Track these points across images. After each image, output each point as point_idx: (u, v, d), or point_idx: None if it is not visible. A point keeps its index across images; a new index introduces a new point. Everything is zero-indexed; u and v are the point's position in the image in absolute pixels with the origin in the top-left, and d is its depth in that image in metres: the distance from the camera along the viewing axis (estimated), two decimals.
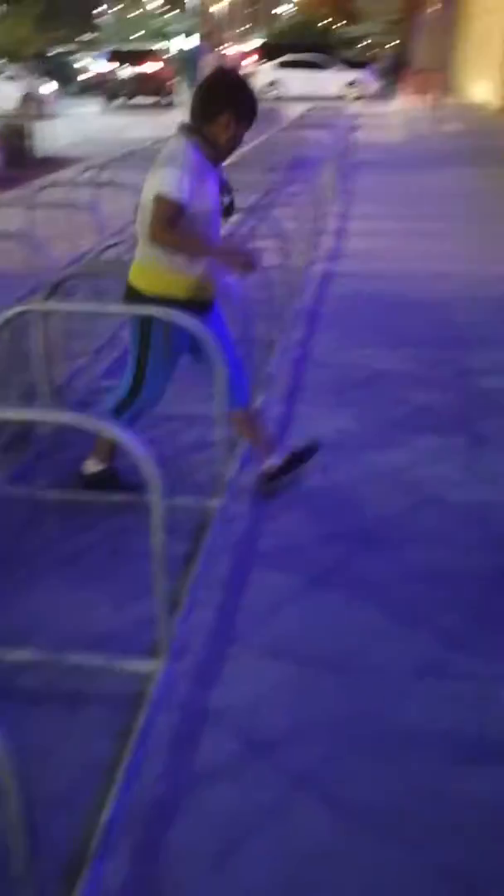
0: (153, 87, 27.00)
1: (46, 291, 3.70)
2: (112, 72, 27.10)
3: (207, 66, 16.89)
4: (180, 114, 18.23)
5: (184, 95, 17.17)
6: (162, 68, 27.11)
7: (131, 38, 44.06)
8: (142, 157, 8.15)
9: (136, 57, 27.34)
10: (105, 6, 46.51)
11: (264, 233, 5.87)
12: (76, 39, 34.04)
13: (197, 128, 3.14)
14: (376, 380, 4.92)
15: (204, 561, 3.10)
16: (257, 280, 4.28)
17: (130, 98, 27.30)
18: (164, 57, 28.49)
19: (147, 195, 3.11)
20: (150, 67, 26.92)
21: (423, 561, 3.21)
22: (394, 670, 2.65)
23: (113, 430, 2.33)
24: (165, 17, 53.07)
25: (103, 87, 26.96)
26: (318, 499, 3.64)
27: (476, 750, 2.36)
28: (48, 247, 5.50)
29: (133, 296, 3.30)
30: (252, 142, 11.48)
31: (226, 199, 3.27)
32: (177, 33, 44.45)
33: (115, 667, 2.59)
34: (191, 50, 16.86)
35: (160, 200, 3.02)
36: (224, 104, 3.09)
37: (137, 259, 3.29)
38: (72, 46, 32.12)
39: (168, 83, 26.86)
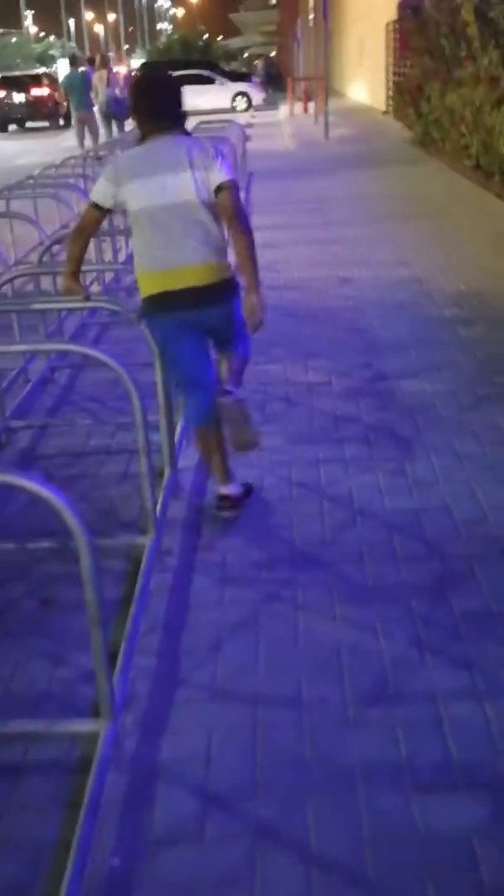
0: (45, 112, 27.51)
1: None
2: (3, 98, 27.49)
3: (99, 86, 16.89)
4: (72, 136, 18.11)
5: (74, 118, 17.16)
6: (51, 92, 27.30)
7: (11, 65, 43.47)
8: (39, 184, 7.97)
9: (27, 82, 27.76)
10: None
11: None
12: None
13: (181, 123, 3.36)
14: (295, 393, 4.86)
15: (140, 604, 2.96)
16: None
17: (23, 123, 27.60)
18: (51, 82, 28.53)
19: (188, 193, 3.16)
20: (40, 92, 27.43)
21: (363, 578, 3.13)
22: (344, 700, 2.56)
23: (22, 481, 2.18)
24: (44, 42, 52.56)
25: None
26: (250, 522, 3.53)
27: (439, 776, 2.28)
28: None
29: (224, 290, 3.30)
30: None
31: None
32: (57, 58, 44.05)
33: (55, 731, 2.43)
34: (78, 73, 16.89)
35: (235, 186, 3.20)
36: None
37: (202, 259, 3.22)
38: None
39: (59, 106, 26.92)
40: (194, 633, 2.89)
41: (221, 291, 3.29)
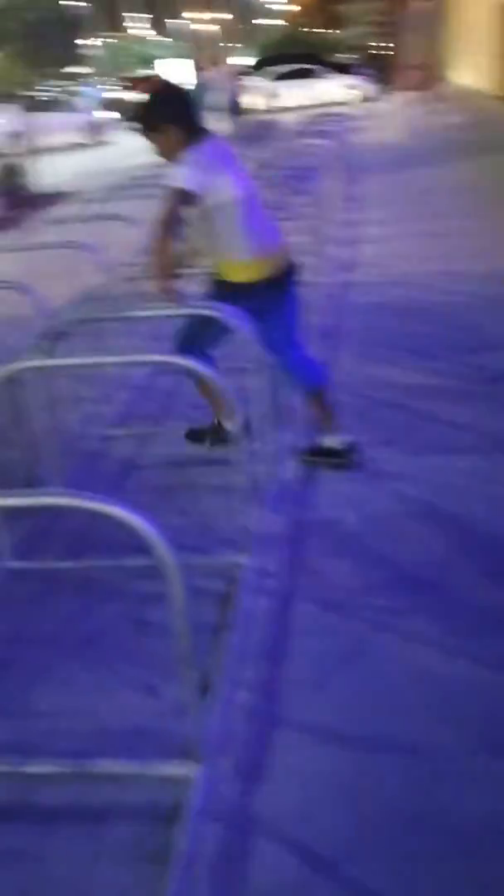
0: None
1: (47, 341, 3.40)
2: (121, 97, 28.65)
3: (217, 88, 17.66)
4: None
5: None
6: None
7: (123, 66, 44.27)
8: (142, 185, 7.91)
9: (139, 83, 28.32)
10: (90, 40, 46.79)
11: None
12: (66, 71, 34.63)
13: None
14: (404, 397, 4.58)
15: (236, 631, 2.77)
16: None
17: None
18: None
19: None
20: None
21: (486, 607, 2.85)
22: (465, 748, 2.30)
23: (111, 509, 2.01)
24: (152, 42, 53.32)
25: (115, 112, 27.77)
26: (353, 540, 3.30)
27: None
28: (44, 289, 5.24)
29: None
30: (251, 158, 11.21)
31: None
32: (164, 58, 44.59)
33: (145, 773, 2.26)
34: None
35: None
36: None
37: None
38: (60, 81, 33.05)
39: None
40: (295, 664, 2.68)
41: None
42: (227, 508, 3.57)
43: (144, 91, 3.61)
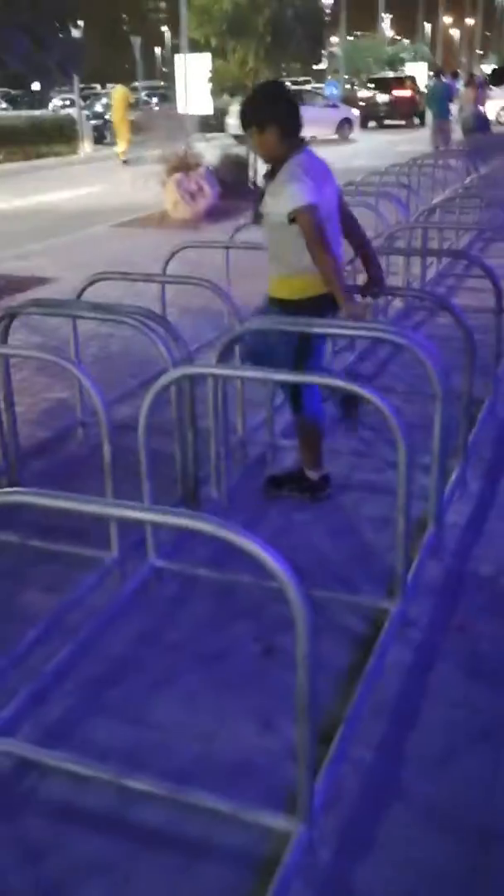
0: (404, 112, 30.20)
1: (222, 346, 3.35)
2: (370, 98, 30.66)
3: (465, 103, 17.56)
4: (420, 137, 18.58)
5: (433, 125, 18.23)
6: (412, 95, 29.83)
7: (361, 67, 44.23)
8: (364, 192, 7.78)
9: (391, 84, 30.68)
10: (336, 37, 47.04)
11: (476, 273, 5.25)
12: (309, 68, 35.32)
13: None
14: None
15: (369, 682, 2.59)
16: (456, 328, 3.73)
17: (383, 121, 30.25)
18: (413, 84, 30.93)
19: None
20: (403, 93, 30.18)
21: None
22: None
23: (245, 543, 1.89)
24: (397, 45, 52.88)
25: (362, 111, 29.75)
26: None
27: None
28: (245, 287, 5.22)
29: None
30: (470, 175, 10.84)
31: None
32: (406, 61, 44.11)
33: (244, 817, 2.14)
34: (441, 85, 17.83)
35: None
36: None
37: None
38: (301, 77, 33.85)
39: (417, 107, 29.25)
40: (427, 731, 2.47)
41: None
42: (385, 544, 3.39)
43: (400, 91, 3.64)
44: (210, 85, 14.20)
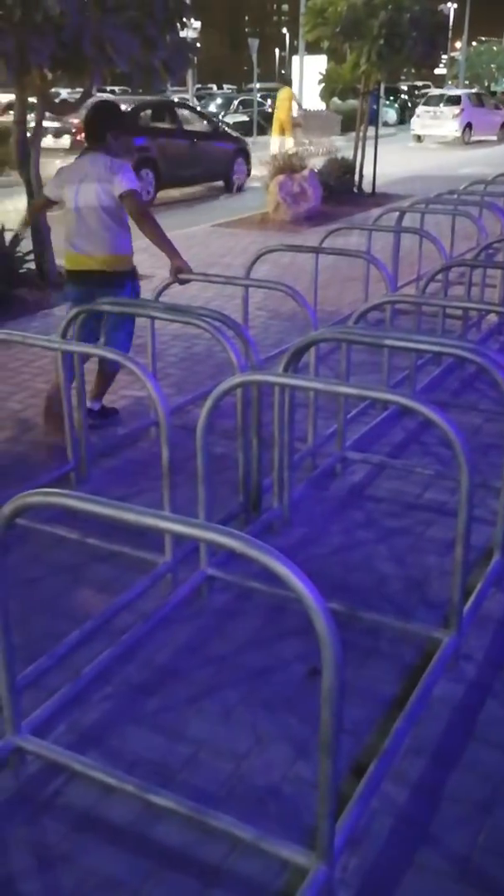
0: None
1: (290, 354, 3.27)
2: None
3: None
4: None
5: None
6: None
7: (482, 74, 43.31)
8: (459, 200, 7.57)
9: None
10: (458, 42, 46.20)
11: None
12: (433, 73, 35.15)
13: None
14: None
15: (411, 716, 2.47)
16: None
17: None
18: None
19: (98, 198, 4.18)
20: None
21: None
22: None
23: (275, 564, 1.81)
24: None
25: None
26: None
27: None
28: (331, 294, 5.12)
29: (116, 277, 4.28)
30: None
31: None
32: None
33: (264, 848, 2.06)
34: None
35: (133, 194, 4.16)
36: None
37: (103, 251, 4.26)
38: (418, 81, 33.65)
39: None
40: (468, 775, 2.33)
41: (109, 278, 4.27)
42: (448, 570, 3.25)
43: None
44: (321, 87, 14.12)
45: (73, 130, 14.03)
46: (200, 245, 10.12)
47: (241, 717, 2.56)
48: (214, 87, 46.53)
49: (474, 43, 49.89)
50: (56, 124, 13.66)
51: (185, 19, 7.87)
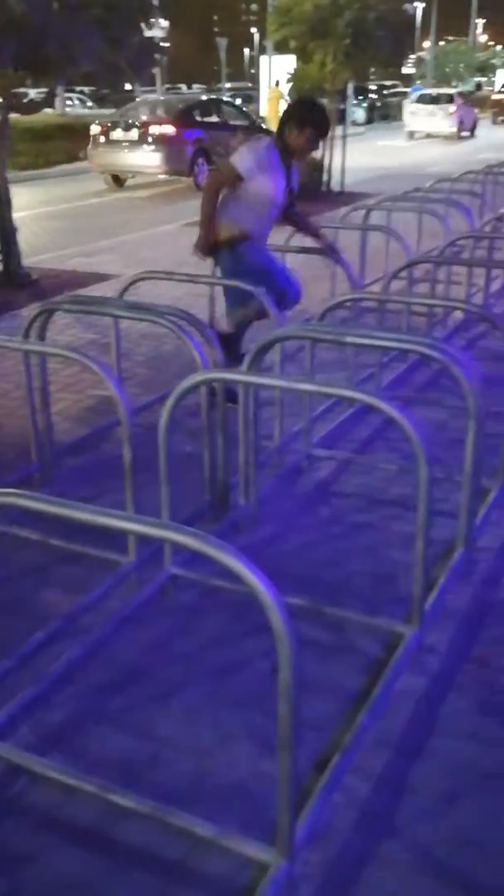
0: None
1: (253, 352, 3.27)
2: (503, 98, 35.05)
3: None
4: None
5: None
6: None
7: (449, 72, 43.62)
8: (425, 198, 7.61)
9: None
10: (425, 42, 46.49)
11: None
12: (400, 72, 35.78)
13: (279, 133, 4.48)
14: None
15: (374, 711, 2.48)
16: None
17: None
18: None
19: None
20: None
21: None
22: None
23: (230, 561, 1.81)
24: (488, 52, 51.96)
25: (496, 108, 34.61)
26: None
27: None
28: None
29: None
30: None
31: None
32: (497, 68, 43.38)
33: (226, 845, 2.06)
34: None
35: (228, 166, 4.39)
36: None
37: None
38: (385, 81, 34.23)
39: None
40: (432, 767, 2.34)
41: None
42: (412, 564, 3.26)
43: None
44: (289, 86, 14.15)
45: (138, 124, 15.21)
46: (170, 244, 10.10)
47: (206, 714, 2.56)
48: (184, 86, 46.46)
49: (442, 42, 50.20)
50: (129, 120, 15.49)
51: (151, 18, 7.85)
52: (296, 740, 1.88)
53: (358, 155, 18.65)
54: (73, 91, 31.96)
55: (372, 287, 6.89)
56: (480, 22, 58.90)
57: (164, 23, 21.76)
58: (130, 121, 15.28)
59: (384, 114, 36.22)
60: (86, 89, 33.08)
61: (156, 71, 21.79)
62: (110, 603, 3.04)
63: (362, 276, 6.48)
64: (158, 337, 6.15)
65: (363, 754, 2.36)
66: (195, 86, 47.83)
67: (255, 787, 2.29)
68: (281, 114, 4.54)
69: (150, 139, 14.87)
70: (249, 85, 42.68)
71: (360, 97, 33.47)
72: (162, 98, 21.33)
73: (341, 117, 14.70)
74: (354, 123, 28.82)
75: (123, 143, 15.10)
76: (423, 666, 2.72)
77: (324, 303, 4.01)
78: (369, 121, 33.45)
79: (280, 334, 3.28)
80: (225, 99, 18.99)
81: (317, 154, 14.25)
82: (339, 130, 13.75)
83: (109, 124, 15.52)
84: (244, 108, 17.22)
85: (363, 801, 2.24)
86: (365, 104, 33.91)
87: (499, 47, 58.60)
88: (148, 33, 8.32)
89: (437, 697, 2.59)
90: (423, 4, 44.52)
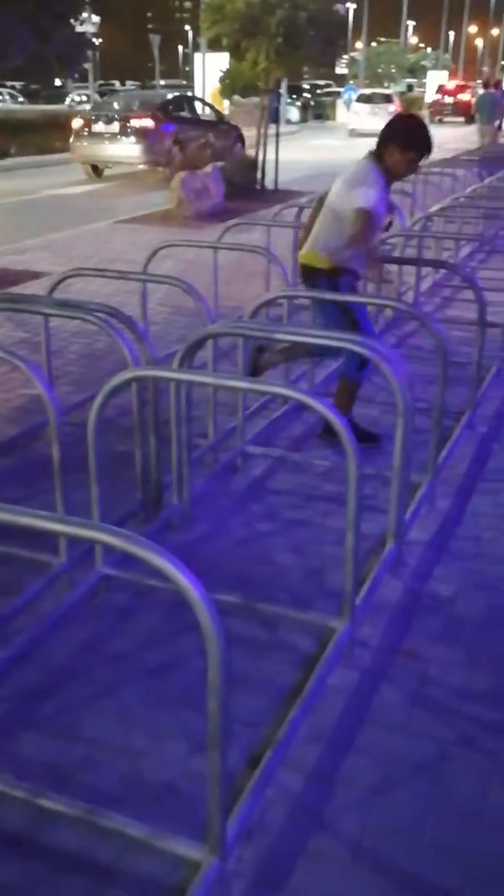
0: (462, 112, 36.53)
1: (184, 350, 3.25)
2: (441, 98, 38.32)
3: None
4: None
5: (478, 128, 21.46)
6: (470, 99, 35.34)
7: (380, 72, 44.13)
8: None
9: (456, 90, 39.13)
10: (357, 43, 46.93)
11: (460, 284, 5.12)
12: (334, 72, 36.36)
13: (378, 154, 4.02)
14: None
15: (306, 705, 2.49)
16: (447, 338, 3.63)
17: (445, 117, 36.89)
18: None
19: (342, 204, 3.95)
20: (465, 97, 37.52)
21: None
22: None
23: (157, 560, 1.80)
24: (419, 53, 52.75)
25: (432, 108, 37.65)
26: (472, 629, 2.92)
27: None
28: (228, 288, 5.11)
29: (315, 274, 4.13)
30: (472, 185, 10.72)
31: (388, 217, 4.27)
32: (428, 69, 44.14)
33: (157, 845, 2.05)
34: (487, 94, 20.65)
35: (363, 213, 3.85)
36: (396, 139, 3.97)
37: (317, 249, 4.10)
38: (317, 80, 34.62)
39: (471, 109, 32.13)
40: (362, 759, 2.37)
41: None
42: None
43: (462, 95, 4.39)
44: (222, 83, 14.15)
45: (119, 118, 16.17)
46: (103, 241, 10.01)
47: (139, 714, 2.54)
48: (117, 83, 46.05)
49: (374, 44, 50.75)
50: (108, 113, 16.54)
51: (82, 13, 7.76)
52: (226, 737, 1.88)
53: (292, 153, 18.77)
54: (3, 86, 31.40)
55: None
56: (411, 24, 59.73)
57: (95, 18, 21.55)
58: (111, 114, 16.36)
59: (318, 113, 36.52)
60: (17, 84, 32.53)
61: (88, 66, 21.60)
62: (41, 605, 2.99)
63: (295, 273, 6.51)
64: (90, 335, 6.08)
65: (295, 749, 2.37)
66: (129, 82, 47.43)
67: (187, 786, 2.28)
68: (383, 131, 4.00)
69: (130, 131, 15.92)
70: (184, 82, 42.51)
71: (294, 96, 33.70)
72: (134, 93, 23.17)
73: (275, 116, 14.75)
74: (289, 122, 29.04)
75: (105, 135, 16.08)
76: (355, 659, 2.75)
77: (256, 300, 4.01)
78: (303, 120, 33.67)
79: (211, 331, 3.27)
80: (196, 96, 19.94)
81: (251, 152, 14.31)
82: (272, 129, 13.82)
83: (93, 117, 16.65)
84: (210, 103, 17.91)
85: (295, 795, 2.25)
86: (299, 103, 34.11)
87: (429, 49, 59.55)
88: (79, 28, 8.23)
89: (368, 690, 2.62)
90: (355, 6, 44.96)
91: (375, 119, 30.40)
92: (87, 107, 26.05)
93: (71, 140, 16.95)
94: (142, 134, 15.82)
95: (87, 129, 16.40)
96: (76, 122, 16.92)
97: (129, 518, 3.51)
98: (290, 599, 3.09)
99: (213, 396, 4.06)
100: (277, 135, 13.98)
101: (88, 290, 7.10)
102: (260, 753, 2.31)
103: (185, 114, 17.39)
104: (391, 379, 2.93)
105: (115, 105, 17.16)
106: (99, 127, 16.18)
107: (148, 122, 15.92)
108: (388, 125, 4.06)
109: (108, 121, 16.14)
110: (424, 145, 3.96)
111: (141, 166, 16.30)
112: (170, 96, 17.93)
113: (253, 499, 3.85)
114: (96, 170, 17.17)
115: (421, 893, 1.99)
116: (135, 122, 15.89)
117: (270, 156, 14.04)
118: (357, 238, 3.86)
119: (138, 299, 5.14)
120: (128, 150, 15.93)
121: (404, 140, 3.93)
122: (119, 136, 15.91)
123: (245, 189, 13.49)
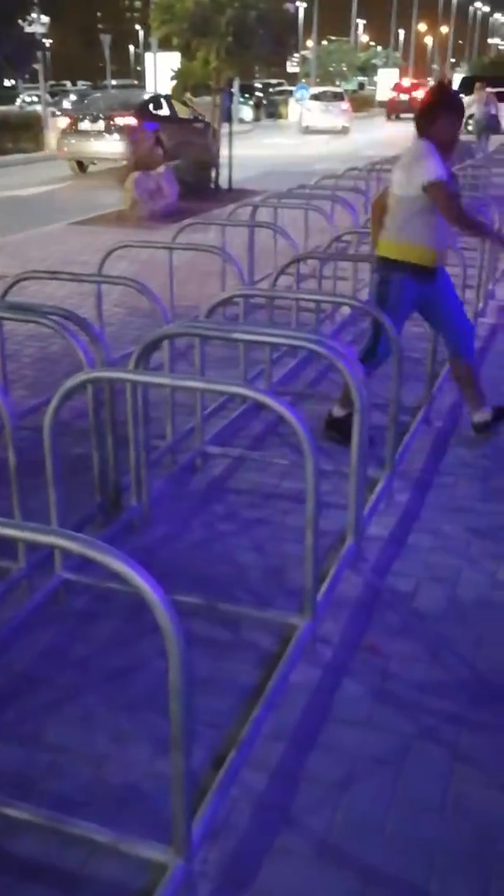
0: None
1: (139, 350, 3.24)
2: (397, 96, 38.53)
3: (476, 105, 19.74)
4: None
5: None
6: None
7: (332, 71, 44.39)
8: (311, 195, 7.71)
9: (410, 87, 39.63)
10: (307, 41, 47.15)
11: None
12: (286, 71, 36.55)
13: (421, 132, 3.96)
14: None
15: (268, 704, 2.50)
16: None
17: (401, 114, 36.39)
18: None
19: (407, 189, 3.92)
20: (417, 95, 36.19)
21: None
22: None
23: (119, 565, 1.79)
24: (369, 51, 53.13)
25: (390, 106, 38.51)
26: (432, 623, 2.95)
27: None
28: (184, 288, 5.09)
29: (386, 263, 4.09)
30: None
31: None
32: (378, 67, 44.47)
33: (123, 849, 2.04)
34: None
35: (433, 185, 3.81)
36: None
37: (392, 238, 4.05)
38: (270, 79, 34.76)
39: None
40: (325, 755, 2.38)
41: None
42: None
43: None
44: (174, 83, 14.11)
45: (103, 116, 16.81)
46: (56, 243, 9.93)
47: (103, 718, 2.53)
48: (69, 83, 45.68)
49: (325, 42, 50.96)
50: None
51: (31, 14, 7.69)
52: (189, 739, 1.88)
53: (246, 152, 18.79)
54: None
55: (261, 283, 6.94)
56: (361, 23, 60.10)
57: (45, 18, 21.33)
58: (96, 113, 17.03)
59: (271, 112, 36.60)
60: None
61: (38, 67, 21.43)
62: (1, 611, 2.96)
63: (251, 272, 6.52)
64: (45, 338, 6.03)
65: (259, 748, 2.38)
66: (80, 83, 47.09)
67: (152, 789, 2.28)
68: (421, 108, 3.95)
69: (114, 129, 16.62)
70: (135, 83, 42.31)
71: (247, 95, 33.72)
72: (115, 93, 24.01)
73: (227, 115, 14.75)
74: (241, 121, 29.04)
75: (91, 133, 16.83)
76: (317, 656, 2.76)
77: (212, 300, 4.01)
78: (256, 119, 33.73)
79: (167, 331, 3.26)
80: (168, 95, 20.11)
81: (204, 153, 14.28)
82: (225, 128, 13.82)
83: (79, 116, 17.39)
84: (187, 102, 18.03)
85: (260, 794, 2.25)
86: (251, 102, 34.15)
87: (379, 48, 59.99)
88: (28, 29, 8.16)
89: (330, 687, 2.64)
90: (305, 4, 45.11)
91: (328, 116, 31.34)
92: (38, 108, 25.80)
93: (57, 138, 17.86)
94: (125, 131, 16.51)
95: (73, 128, 17.17)
96: (62, 122, 17.92)
97: (88, 521, 3.48)
98: (251, 598, 3.10)
99: (171, 397, 4.05)
100: (231, 134, 13.98)
101: (43, 292, 7.05)
102: (224, 753, 2.31)
103: (164, 112, 17.91)
104: (347, 377, 2.95)
105: (101, 104, 17.89)
106: (85, 125, 16.92)
107: (131, 121, 16.65)
108: (427, 99, 4.03)
109: (94, 119, 16.85)
110: (453, 105, 3.97)
111: (124, 162, 16.61)
112: (146, 96, 18.61)
113: (212, 499, 3.85)
114: (81, 166, 17.79)
115: (386, 887, 2.01)
116: (119, 120, 16.61)
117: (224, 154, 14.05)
118: (446, 209, 3.81)
119: (93, 301, 5.10)
120: (112, 147, 16.64)
121: (434, 109, 3.93)
122: (104, 134, 16.67)
123: (199, 188, 13.48)
